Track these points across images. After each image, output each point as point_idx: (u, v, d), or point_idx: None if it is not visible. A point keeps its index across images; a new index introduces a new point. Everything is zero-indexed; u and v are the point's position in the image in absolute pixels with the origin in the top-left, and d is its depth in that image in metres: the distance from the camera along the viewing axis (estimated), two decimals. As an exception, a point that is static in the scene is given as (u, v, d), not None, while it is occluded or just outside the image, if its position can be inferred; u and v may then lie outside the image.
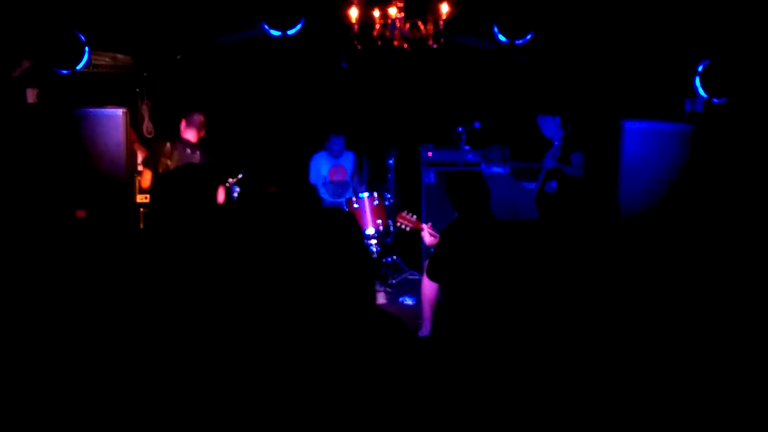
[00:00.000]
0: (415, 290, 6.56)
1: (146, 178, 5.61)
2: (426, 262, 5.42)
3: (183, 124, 5.69)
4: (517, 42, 5.47)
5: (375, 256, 6.74)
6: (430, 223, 5.11)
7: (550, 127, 6.22)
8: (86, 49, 5.23)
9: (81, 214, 5.20)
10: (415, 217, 5.11)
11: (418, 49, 5.50)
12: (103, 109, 5.28)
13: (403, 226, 5.12)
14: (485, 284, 3.47)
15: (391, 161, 7.31)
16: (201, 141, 5.77)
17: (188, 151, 5.57)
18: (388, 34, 5.30)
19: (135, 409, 2.64)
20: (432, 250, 6.45)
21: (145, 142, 6.43)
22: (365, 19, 5.30)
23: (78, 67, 5.25)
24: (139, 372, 2.65)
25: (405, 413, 2.04)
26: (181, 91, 7.10)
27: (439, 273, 3.81)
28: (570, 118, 7.09)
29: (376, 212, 6.59)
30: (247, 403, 2.01)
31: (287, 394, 1.96)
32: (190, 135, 5.66)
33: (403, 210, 5.30)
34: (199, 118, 5.72)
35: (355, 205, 6.53)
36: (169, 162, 5.53)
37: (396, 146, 7.39)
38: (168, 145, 5.57)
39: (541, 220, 6.09)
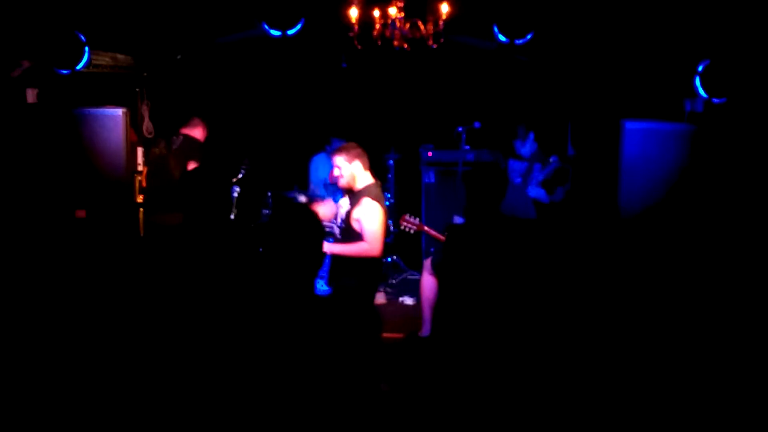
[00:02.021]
0: (415, 290, 6.56)
1: (143, 180, 5.88)
2: (427, 261, 5.43)
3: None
4: (517, 42, 5.46)
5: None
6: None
7: (525, 145, 6.21)
8: (86, 49, 5.23)
9: (81, 214, 5.20)
10: (417, 219, 5.14)
11: (418, 49, 5.50)
12: (103, 109, 5.28)
13: (406, 229, 5.14)
14: (494, 283, 3.46)
15: (391, 162, 7.31)
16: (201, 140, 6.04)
17: (173, 138, 6.05)
18: (388, 34, 5.30)
19: (132, 407, 2.64)
20: (432, 249, 6.46)
21: (145, 143, 6.44)
22: (365, 19, 5.30)
23: (78, 67, 5.25)
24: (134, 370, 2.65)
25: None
26: (181, 91, 7.10)
27: (448, 269, 3.71)
28: (570, 119, 7.09)
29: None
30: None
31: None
32: (186, 129, 6.08)
33: (403, 211, 5.32)
34: (193, 118, 6.27)
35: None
36: (156, 149, 5.84)
37: (396, 146, 7.39)
38: (159, 139, 6.11)
39: (541, 220, 6.09)
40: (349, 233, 4.34)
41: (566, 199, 6.37)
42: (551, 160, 6.16)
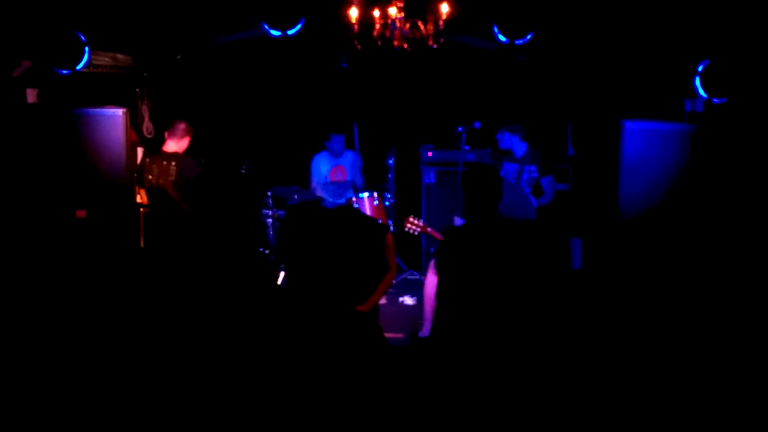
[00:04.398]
0: (415, 290, 6.57)
1: (142, 196, 5.79)
2: (431, 262, 5.44)
3: (165, 135, 5.81)
4: (517, 42, 5.47)
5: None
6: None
7: (517, 145, 6.22)
8: (86, 49, 5.23)
9: (81, 214, 5.20)
10: (421, 221, 5.15)
11: (418, 49, 5.50)
12: (103, 109, 5.28)
13: (411, 231, 5.15)
14: (495, 284, 3.46)
15: (391, 161, 7.31)
16: (186, 151, 5.82)
17: (164, 163, 5.66)
18: (388, 34, 5.30)
19: (132, 407, 2.64)
20: (432, 249, 6.46)
21: (145, 143, 6.44)
22: (365, 19, 5.30)
23: (78, 67, 5.25)
24: (137, 371, 2.65)
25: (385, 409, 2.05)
26: (181, 91, 7.10)
27: (448, 267, 3.71)
28: (570, 119, 7.09)
29: (376, 212, 6.59)
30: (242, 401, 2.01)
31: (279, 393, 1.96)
32: (170, 145, 5.77)
33: (403, 211, 5.32)
34: (179, 125, 5.78)
35: (355, 205, 6.53)
36: (150, 177, 5.61)
37: (396, 146, 7.39)
38: (147, 160, 5.75)
39: (541, 220, 6.10)
40: None
41: (562, 200, 6.38)
42: (531, 168, 6.18)
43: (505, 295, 3.44)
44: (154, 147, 6.05)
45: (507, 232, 3.55)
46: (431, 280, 5.33)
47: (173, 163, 5.66)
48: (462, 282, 3.49)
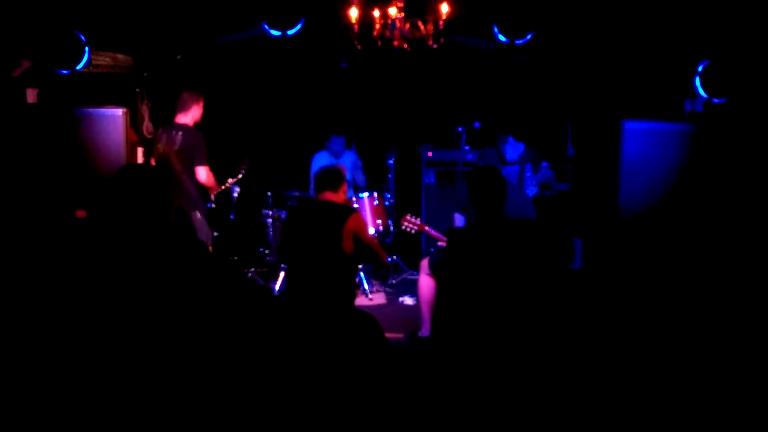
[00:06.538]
0: (415, 290, 6.57)
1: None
2: (424, 261, 5.42)
3: (176, 109, 5.78)
4: (517, 42, 5.47)
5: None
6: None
7: (509, 150, 6.24)
8: (86, 49, 5.24)
9: (81, 214, 5.20)
10: (419, 219, 5.13)
11: (418, 49, 5.50)
12: (103, 109, 5.28)
13: (408, 229, 5.13)
14: (501, 285, 3.46)
15: (391, 161, 7.31)
16: (197, 125, 5.78)
17: (172, 132, 5.62)
18: (388, 34, 5.30)
19: (133, 408, 2.64)
20: (432, 249, 6.46)
21: (145, 143, 6.44)
22: (365, 19, 5.30)
23: (78, 67, 5.25)
24: (135, 371, 2.65)
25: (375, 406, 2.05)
26: (181, 91, 7.10)
27: (446, 272, 3.72)
28: (570, 119, 7.10)
29: (376, 212, 6.60)
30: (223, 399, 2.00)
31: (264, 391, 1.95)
32: (180, 118, 5.71)
33: (403, 211, 5.32)
34: (183, 95, 5.75)
35: (355, 205, 6.53)
36: (159, 145, 5.61)
37: (396, 146, 7.39)
38: (160, 130, 5.73)
39: (542, 220, 6.10)
40: None
41: (562, 200, 6.38)
42: (542, 165, 6.18)
43: (516, 295, 3.44)
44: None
45: (516, 232, 3.56)
46: (425, 281, 5.31)
47: (180, 133, 5.63)
48: (472, 283, 3.49)
